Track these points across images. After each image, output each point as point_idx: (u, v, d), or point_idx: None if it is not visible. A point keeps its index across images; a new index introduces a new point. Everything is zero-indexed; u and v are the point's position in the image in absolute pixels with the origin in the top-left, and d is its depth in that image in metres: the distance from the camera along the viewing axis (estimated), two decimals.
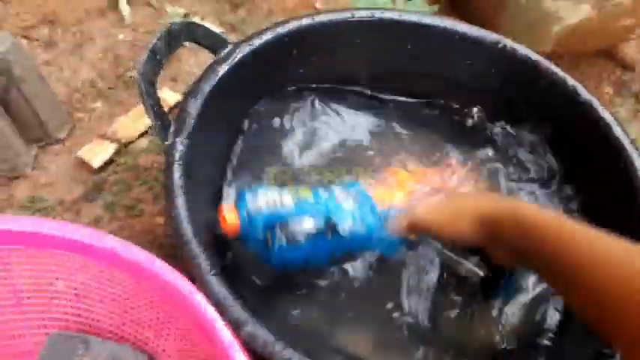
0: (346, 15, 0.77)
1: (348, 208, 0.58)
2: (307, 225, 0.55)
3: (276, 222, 0.55)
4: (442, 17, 0.79)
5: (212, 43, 0.71)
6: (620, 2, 0.93)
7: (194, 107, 0.64)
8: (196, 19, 1.07)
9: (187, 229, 0.53)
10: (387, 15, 0.77)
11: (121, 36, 1.06)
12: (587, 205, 0.73)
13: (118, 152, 0.84)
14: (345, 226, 0.56)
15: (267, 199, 0.56)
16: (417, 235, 0.60)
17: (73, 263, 0.52)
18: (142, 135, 0.87)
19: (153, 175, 0.82)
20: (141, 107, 0.91)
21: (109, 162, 0.84)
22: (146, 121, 0.88)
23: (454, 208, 0.57)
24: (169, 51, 0.65)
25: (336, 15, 0.76)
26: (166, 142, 0.61)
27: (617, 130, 0.68)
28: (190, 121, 0.63)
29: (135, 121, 0.88)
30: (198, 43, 0.70)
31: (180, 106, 0.64)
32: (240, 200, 0.57)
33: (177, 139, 0.61)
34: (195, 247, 0.52)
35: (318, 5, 1.10)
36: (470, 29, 0.77)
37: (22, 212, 0.77)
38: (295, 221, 0.55)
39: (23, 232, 0.51)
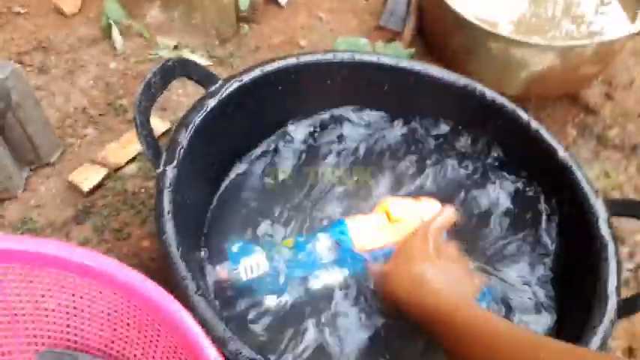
0: (328, 57, 0.82)
1: (326, 260, 0.64)
2: (280, 300, 0.64)
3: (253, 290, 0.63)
4: (415, 62, 0.85)
5: (203, 78, 0.75)
6: (582, 52, 1.01)
7: (184, 137, 0.69)
8: (186, 51, 1.13)
9: (175, 252, 0.57)
10: (366, 58, 0.83)
11: (112, 64, 1.10)
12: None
13: (107, 177, 0.88)
14: (319, 283, 0.64)
15: (245, 265, 0.64)
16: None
17: (67, 282, 0.56)
18: (130, 161, 0.91)
19: (140, 200, 0.86)
20: (130, 134, 0.95)
21: (99, 186, 0.87)
22: (135, 148, 0.92)
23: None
24: (163, 85, 0.69)
25: (319, 56, 0.82)
26: (157, 170, 0.65)
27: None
28: (180, 151, 0.67)
29: (124, 148, 0.92)
30: (190, 78, 0.75)
31: (172, 136, 0.69)
32: (228, 259, 0.65)
33: (168, 167, 0.65)
34: (183, 270, 0.56)
35: (302, 43, 1.16)
36: (441, 73, 0.83)
37: (12, 233, 0.79)
38: (270, 298, 0.64)
39: (22, 250, 0.54)
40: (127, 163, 0.90)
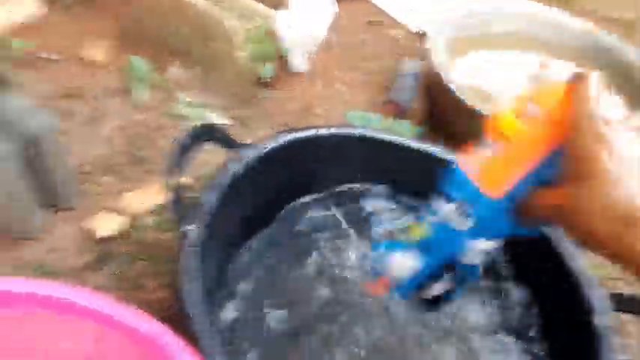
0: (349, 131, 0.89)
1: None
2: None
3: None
4: (420, 141, 0.92)
5: (227, 143, 0.81)
6: None
7: (208, 200, 0.73)
8: (205, 110, 1.18)
9: (196, 312, 0.61)
10: (380, 135, 0.90)
11: (134, 116, 1.15)
12: None
13: (125, 226, 0.91)
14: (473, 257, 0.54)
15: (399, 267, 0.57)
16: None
17: (87, 331, 0.58)
18: (148, 212, 0.95)
19: (156, 252, 0.89)
20: (149, 185, 0.99)
21: (115, 234, 0.90)
22: (153, 199, 0.96)
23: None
24: (191, 149, 0.74)
25: (341, 130, 0.89)
26: (181, 229, 0.69)
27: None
28: (205, 212, 0.71)
29: (142, 198, 0.96)
30: (216, 142, 0.80)
31: (198, 198, 0.73)
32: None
33: (191, 227, 0.69)
34: (203, 326, 0.59)
35: (317, 111, 1.23)
36: (443, 153, 0.89)
37: (28, 276, 0.81)
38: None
39: (46, 296, 0.57)
40: (146, 213, 0.94)
